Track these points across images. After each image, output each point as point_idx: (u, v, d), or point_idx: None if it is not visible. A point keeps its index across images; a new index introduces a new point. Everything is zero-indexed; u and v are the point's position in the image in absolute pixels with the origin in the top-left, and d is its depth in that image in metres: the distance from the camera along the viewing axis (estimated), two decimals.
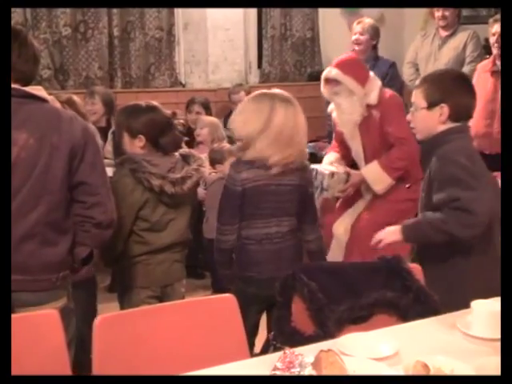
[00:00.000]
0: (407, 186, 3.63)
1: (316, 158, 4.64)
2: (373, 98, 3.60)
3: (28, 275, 2.14)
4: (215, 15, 5.65)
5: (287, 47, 6.14)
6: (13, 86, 2.15)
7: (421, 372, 1.62)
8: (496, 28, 4.07)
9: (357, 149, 3.76)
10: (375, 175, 3.67)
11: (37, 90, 2.19)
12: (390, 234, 2.51)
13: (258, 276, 2.63)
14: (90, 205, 2.20)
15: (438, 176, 2.39)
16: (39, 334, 1.95)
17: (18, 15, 4.91)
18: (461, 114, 2.47)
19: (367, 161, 3.72)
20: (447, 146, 2.41)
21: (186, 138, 2.85)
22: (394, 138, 3.61)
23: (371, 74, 3.72)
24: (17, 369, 1.86)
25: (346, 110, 3.63)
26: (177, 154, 2.73)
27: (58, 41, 5.16)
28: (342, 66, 3.60)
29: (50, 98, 2.28)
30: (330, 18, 6.07)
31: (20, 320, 1.99)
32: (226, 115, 5.37)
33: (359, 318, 2.22)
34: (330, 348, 1.68)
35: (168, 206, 2.65)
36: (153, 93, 5.48)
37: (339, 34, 5.89)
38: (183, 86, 5.79)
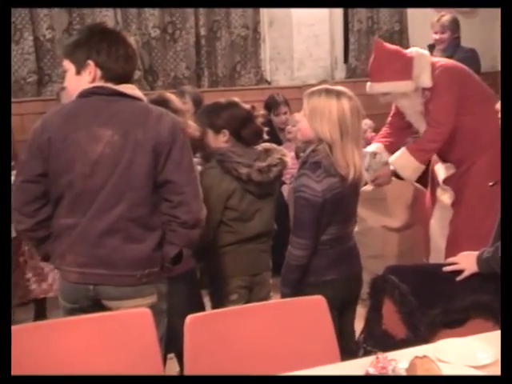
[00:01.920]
0: (491, 184, 3.26)
1: None
2: (425, 81, 3.34)
3: (112, 270, 2.17)
4: (300, 11, 5.60)
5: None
6: (99, 84, 2.19)
7: None
8: None
9: (422, 131, 3.55)
10: (402, 161, 3.43)
11: (128, 88, 2.21)
12: (467, 264, 2.22)
13: (337, 278, 2.52)
14: (176, 204, 2.18)
15: None
16: (132, 333, 1.99)
17: (109, 19, 5.04)
18: None
19: (440, 156, 3.55)
20: None
21: (267, 129, 2.83)
22: (430, 118, 3.37)
23: (417, 52, 3.42)
24: (109, 367, 1.92)
25: (406, 108, 3.46)
26: (259, 146, 2.78)
27: (147, 42, 5.27)
28: (377, 74, 3.33)
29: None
30: (419, 9, 5.89)
31: (112, 318, 2.04)
32: None
33: (453, 321, 2.15)
34: (425, 354, 1.62)
35: (254, 196, 2.72)
36: (239, 91, 5.50)
37: (429, 24, 5.71)
38: (269, 83, 5.78)
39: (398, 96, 3.40)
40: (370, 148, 3.63)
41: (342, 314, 2.58)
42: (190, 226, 2.20)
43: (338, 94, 2.43)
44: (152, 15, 5.21)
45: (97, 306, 2.22)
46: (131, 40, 2.28)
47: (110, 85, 2.18)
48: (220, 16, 5.46)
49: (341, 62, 6.01)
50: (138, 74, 5.25)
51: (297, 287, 2.50)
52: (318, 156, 2.41)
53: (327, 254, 2.51)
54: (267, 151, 2.76)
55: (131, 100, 2.20)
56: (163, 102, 2.56)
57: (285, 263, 2.51)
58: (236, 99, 2.82)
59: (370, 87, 3.40)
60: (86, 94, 2.19)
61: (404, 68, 3.33)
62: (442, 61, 3.52)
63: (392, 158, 3.50)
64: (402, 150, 3.46)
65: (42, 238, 2.28)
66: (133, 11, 5.17)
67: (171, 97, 2.76)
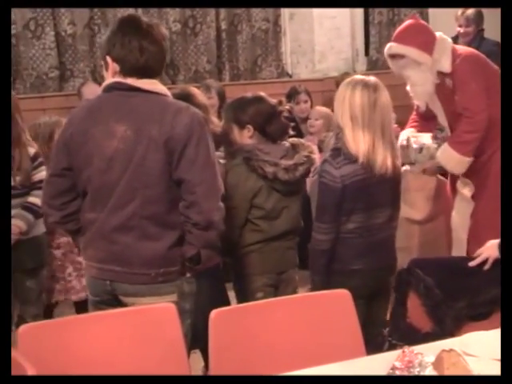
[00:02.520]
0: None
1: None
2: (445, 66, 3.28)
3: (126, 267, 2.14)
4: None
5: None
6: (118, 79, 2.15)
7: None
8: None
9: (441, 120, 3.51)
10: (445, 154, 3.36)
11: (148, 83, 2.15)
12: (488, 251, 2.26)
13: (364, 268, 2.56)
14: (188, 204, 2.12)
15: None
16: (157, 327, 2.00)
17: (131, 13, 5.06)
18: None
19: (452, 131, 3.46)
20: None
21: (292, 124, 2.81)
22: (460, 108, 3.29)
23: (440, 36, 3.37)
24: (134, 362, 1.93)
25: (416, 81, 3.35)
26: (286, 142, 2.75)
27: (168, 36, 5.27)
28: (401, 37, 3.29)
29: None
30: None
31: (138, 313, 2.06)
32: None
33: (479, 314, 2.14)
34: (452, 348, 1.61)
35: (281, 194, 2.68)
36: (260, 84, 5.49)
37: (451, 14, 5.65)
38: (290, 76, 5.77)
39: (412, 65, 3.31)
40: (404, 135, 3.56)
41: (371, 304, 2.59)
42: (203, 228, 2.13)
43: (359, 84, 2.51)
44: (173, 9, 5.22)
45: (116, 300, 2.22)
46: (158, 31, 2.19)
47: (129, 80, 2.14)
48: (240, 10, 5.45)
49: (362, 55, 5.97)
50: None
51: (326, 274, 2.55)
52: (339, 143, 2.50)
53: (354, 243, 2.54)
54: (295, 147, 2.73)
55: (150, 95, 2.14)
56: (186, 97, 2.53)
57: (310, 250, 2.58)
58: (262, 94, 2.77)
59: (389, 48, 3.37)
60: (107, 89, 2.18)
61: (427, 42, 3.31)
62: (462, 49, 3.46)
63: (437, 153, 3.46)
64: (444, 144, 3.41)
65: (74, 230, 2.28)
66: None
67: (194, 91, 2.74)
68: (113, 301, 2.22)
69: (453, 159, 3.38)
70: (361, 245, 2.56)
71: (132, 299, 2.18)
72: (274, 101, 2.75)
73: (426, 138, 3.50)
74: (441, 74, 3.33)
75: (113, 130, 2.11)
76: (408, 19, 3.51)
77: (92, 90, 4.48)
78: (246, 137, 2.69)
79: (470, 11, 4.95)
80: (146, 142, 2.08)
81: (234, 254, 2.76)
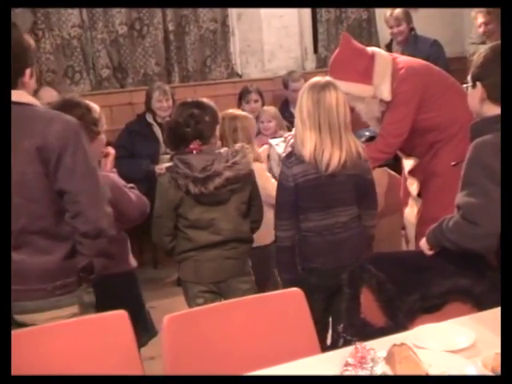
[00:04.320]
0: (453, 163, 3.21)
1: None
2: (384, 94, 3.24)
3: (22, 285, 2.07)
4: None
5: (343, 30, 6.01)
6: None
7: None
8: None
9: None
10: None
11: (18, 94, 2.04)
12: (422, 243, 2.31)
13: (321, 267, 2.63)
14: (73, 214, 2.06)
15: (463, 169, 2.13)
16: (110, 335, 1.98)
17: (74, 17, 4.97)
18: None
19: (403, 152, 3.53)
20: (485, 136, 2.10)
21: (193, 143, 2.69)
22: (382, 128, 3.31)
23: (377, 54, 3.29)
24: (89, 370, 1.90)
25: (363, 113, 3.35)
26: (222, 150, 2.71)
27: (115, 40, 5.20)
28: (337, 71, 3.16)
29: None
30: None
31: (89, 322, 2.02)
32: (282, 103, 5.32)
33: (432, 306, 2.16)
34: (403, 341, 1.62)
35: (206, 205, 2.65)
36: (210, 85, 5.48)
37: None
38: (240, 76, 5.76)
39: (356, 98, 3.25)
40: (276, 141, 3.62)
41: (332, 302, 2.66)
42: (93, 237, 2.08)
43: (308, 86, 2.60)
44: (119, 12, 5.14)
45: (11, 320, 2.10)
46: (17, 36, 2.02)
47: None
48: (188, 11, 5.41)
49: (311, 53, 6.00)
50: (107, 72, 5.20)
51: (293, 271, 2.65)
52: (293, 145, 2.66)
53: (313, 241, 2.63)
54: (236, 153, 2.68)
55: (18, 107, 2.03)
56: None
57: (275, 248, 2.71)
58: (194, 100, 2.73)
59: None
60: None
61: (365, 71, 3.23)
62: (404, 66, 3.31)
63: None
64: None
65: None
66: (99, 9, 5.10)
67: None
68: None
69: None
70: (319, 243, 2.62)
71: (31, 316, 2.10)
72: (188, 111, 2.65)
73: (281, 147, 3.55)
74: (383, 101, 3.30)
75: None
76: (341, 39, 3.36)
77: (49, 94, 4.47)
78: None
79: (398, 10, 5.07)
80: (20, 155, 2.00)
81: (173, 260, 2.79)
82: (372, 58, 3.28)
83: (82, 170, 2.04)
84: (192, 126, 2.65)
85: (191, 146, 2.66)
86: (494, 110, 2.15)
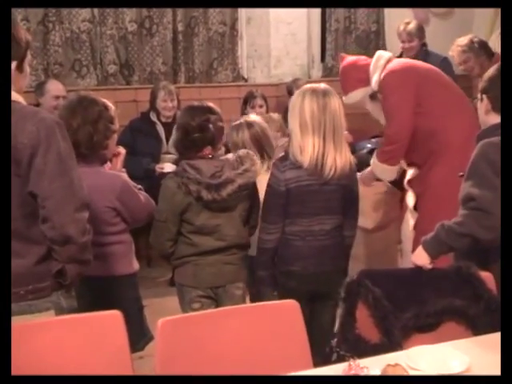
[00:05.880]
0: (460, 174, 3.37)
1: None
2: (373, 84, 3.50)
3: None
4: (278, 9, 5.59)
5: (351, 41, 6.03)
6: None
7: None
8: None
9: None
10: (372, 162, 3.58)
11: None
12: (418, 257, 2.32)
13: (301, 271, 2.65)
14: (42, 219, 1.97)
15: (469, 165, 2.28)
16: (102, 335, 1.97)
17: (85, 12, 4.98)
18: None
19: (405, 160, 3.62)
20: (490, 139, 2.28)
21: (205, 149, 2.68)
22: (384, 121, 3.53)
23: (377, 56, 3.57)
24: (80, 368, 1.90)
25: (372, 112, 3.62)
26: (229, 155, 2.71)
27: (123, 36, 5.20)
28: (342, 89, 3.54)
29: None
30: (395, 11, 5.90)
31: (83, 320, 2.01)
32: (285, 110, 5.31)
33: (426, 325, 2.16)
34: (397, 362, 1.62)
35: (213, 211, 2.64)
36: (215, 88, 5.48)
37: None
38: (245, 80, 5.76)
39: (364, 102, 3.56)
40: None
41: (312, 308, 2.65)
42: (60, 243, 1.98)
43: (308, 91, 2.58)
44: (129, 9, 5.15)
45: None
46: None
47: None
48: (198, 12, 5.41)
49: (318, 61, 6.00)
50: (113, 68, 5.20)
51: (270, 269, 2.68)
52: (288, 149, 2.61)
53: (295, 245, 2.64)
54: (241, 159, 2.68)
55: None
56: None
57: (257, 248, 2.70)
58: (205, 105, 2.70)
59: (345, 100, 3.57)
60: None
61: (361, 75, 3.51)
62: (394, 63, 3.55)
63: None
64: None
65: None
66: None
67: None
68: None
69: (377, 166, 3.54)
70: (301, 248, 2.64)
71: None
72: (204, 116, 2.64)
73: None
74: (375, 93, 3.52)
75: None
76: (340, 61, 3.69)
77: (56, 87, 4.47)
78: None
79: (412, 25, 5.09)
80: None
81: (171, 264, 2.76)
82: (367, 63, 3.56)
83: (52, 173, 1.93)
84: (207, 131, 2.63)
85: (204, 152, 2.64)
86: (497, 119, 2.35)
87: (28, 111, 1.99)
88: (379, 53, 3.61)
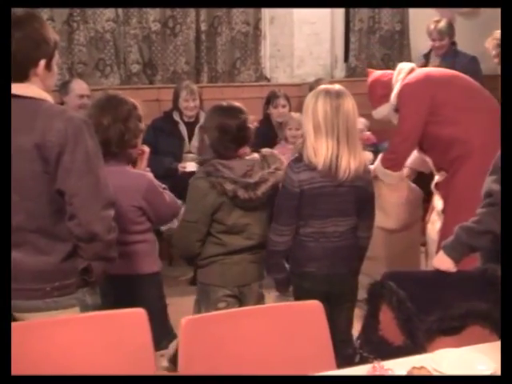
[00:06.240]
0: None
1: None
2: (393, 99, 3.61)
3: (18, 284, 2.01)
4: (301, 9, 5.57)
5: (375, 41, 5.99)
6: None
7: None
8: None
9: None
10: (377, 167, 3.68)
11: (21, 87, 2.00)
12: (440, 262, 2.29)
13: (315, 272, 2.64)
14: (69, 216, 1.99)
15: (494, 160, 2.24)
16: (126, 332, 1.98)
17: (109, 11, 5.01)
18: None
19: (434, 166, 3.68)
20: None
21: (244, 149, 2.72)
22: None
23: (398, 70, 3.66)
24: (102, 365, 1.91)
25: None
26: (256, 155, 2.71)
27: (147, 36, 5.22)
28: (370, 103, 3.71)
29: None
30: (420, 10, 5.85)
31: (107, 317, 2.02)
32: None
33: (450, 329, 2.14)
34: (422, 365, 1.61)
35: (244, 210, 2.65)
36: (238, 87, 5.48)
37: None
38: (268, 80, 5.75)
39: (390, 117, 3.68)
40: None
41: (329, 312, 2.59)
42: (86, 241, 2.01)
43: (321, 92, 2.57)
44: (153, 9, 5.16)
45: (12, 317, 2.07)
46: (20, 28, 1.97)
47: None
48: (221, 12, 5.41)
49: (341, 61, 5.98)
50: (136, 68, 5.23)
51: (285, 272, 2.69)
52: (302, 150, 2.60)
53: (309, 246, 2.63)
54: (265, 159, 2.69)
55: (22, 100, 1.98)
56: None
57: (266, 250, 2.69)
58: (232, 105, 2.71)
59: (374, 116, 3.81)
60: None
61: (385, 91, 3.63)
62: (412, 74, 3.61)
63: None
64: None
65: None
66: None
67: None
68: None
69: (380, 169, 3.68)
70: (315, 249, 2.64)
71: (27, 315, 2.06)
72: (239, 116, 2.65)
73: None
74: None
75: None
76: (367, 76, 3.84)
77: (81, 86, 4.50)
78: (206, 147, 2.71)
79: (443, 24, 5.04)
80: (16, 151, 1.94)
81: (197, 264, 2.76)
82: (390, 78, 3.66)
83: (79, 171, 1.96)
84: (247, 131, 2.65)
85: (241, 151, 2.66)
86: None
87: (56, 110, 2.03)
88: (400, 65, 3.68)
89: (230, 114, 2.66)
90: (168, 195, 2.64)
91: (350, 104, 2.56)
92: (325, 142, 2.52)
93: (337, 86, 2.63)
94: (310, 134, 2.55)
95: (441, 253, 2.30)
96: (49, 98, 2.06)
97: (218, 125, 2.65)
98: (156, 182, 2.63)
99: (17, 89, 1.99)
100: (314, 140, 2.53)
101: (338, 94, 2.55)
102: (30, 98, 2.00)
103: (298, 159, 2.61)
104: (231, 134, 2.62)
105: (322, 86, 2.64)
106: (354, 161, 2.55)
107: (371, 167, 3.58)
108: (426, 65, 5.05)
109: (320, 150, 2.52)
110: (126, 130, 2.51)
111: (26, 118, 1.96)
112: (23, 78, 2.01)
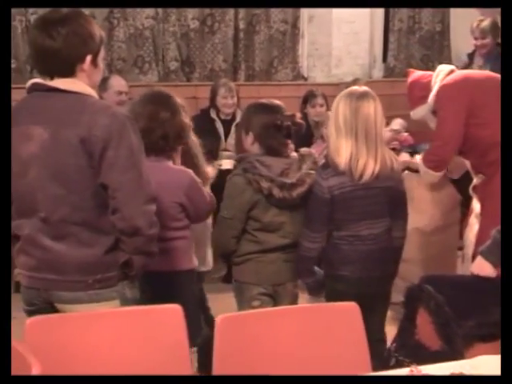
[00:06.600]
0: None
1: None
2: (430, 100, 3.57)
3: (60, 275, 2.06)
4: (340, 8, 5.54)
5: (414, 41, 5.93)
6: (36, 80, 2.07)
7: None
8: None
9: None
10: (419, 163, 3.67)
11: (67, 82, 2.03)
12: (479, 268, 2.26)
13: (349, 275, 2.63)
14: (112, 210, 2.02)
15: None
16: (162, 328, 1.99)
17: (149, 9, 5.05)
18: None
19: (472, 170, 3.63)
20: None
21: (291, 146, 2.70)
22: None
23: (438, 71, 3.61)
24: (137, 361, 1.92)
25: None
26: (295, 154, 2.70)
27: (185, 34, 5.26)
28: (409, 104, 3.69)
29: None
30: (462, 11, 5.77)
31: (144, 312, 2.04)
32: None
33: (488, 335, 2.10)
34: (461, 371, 1.58)
35: (279, 208, 2.64)
36: (275, 86, 5.48)
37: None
38: (305, 79, 5.74)
39: (427, 118, 3.64)
40: None
41: (363, 315, 2.59)
42: (128, 235, 2.03)
43: (344, 95, 2.59)
44: None
45: (53, 308, 2.12)
46: (69, 26, 2.00)
47: (44, 81, 2.05)
48: (259, 10, 5.42)
49: (379, 61, 5.93)
50: (175, 65, 5.26)
51: (314, 278, 2.68)
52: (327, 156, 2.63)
53: (343, 249, 2.62)
54: (303, 158, 2.66)
55: (68, 95, 2.02)
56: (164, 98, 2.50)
57: (297, 255, 2.67)
58: (275, 103, 2.68)
59: (412, 116, 3.76)
60: (28, 91, 2.10)
61: (424, 93, 3.58)
62: (450, 76, 3.57)
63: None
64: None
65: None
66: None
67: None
68: (50, 309, 2.12)
69: (422, 167, 3.63)
70: (350, 252, 2.62)
71: (69, 306, 2.10)
72: (286, 113, 2.64)
73: None
74: None
75: (29, 132, 2.01)
76: (407, 76, 3.81)
77: (119, 83, 4.53)
78: (248, 143, 2.66)
79: (486, 23, 4.93)
80: (62, 145, 1.98)
81: (232, 262, 2.75)
82: (429, 80, 3.62)
83: (123, 166, 1.98)
84: (299, 126, 2.67)
85: (290, 148, 2.66)
86: None
87: (101, 105, 2.06)
88: (440, 67, 3.65)
89: (278, 110, 2.65)
90: (207, 193, 2.65)
91: (370, 106, 2.56)
92: (344, 142, 2.54)
93: (363, 88, 2.64)
94: (331, 136, 2.59)
95: (479, 258, 2.27)
96: (94, 93, 2.10)
97: (268, 122, 2.62)
98: (197, 178, 2.63)
99: (63, 84, 2.03)
100: (335, 141, 2.56)
101: (359, 96, 2.56)
102: (76, 92, 2.04)
103: (326, 165, 2.62)
104: (286, 130, 2.61)
105: (349, 88, 2.66)
106: (373, 162, 2.55)
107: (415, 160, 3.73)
108: (469, 65, 4.97)
109: (341, 151, 2.54)
110: (184, 125, 2.53)
111: (72, 113, 2.00)
112: (70, 73, 2.05)
